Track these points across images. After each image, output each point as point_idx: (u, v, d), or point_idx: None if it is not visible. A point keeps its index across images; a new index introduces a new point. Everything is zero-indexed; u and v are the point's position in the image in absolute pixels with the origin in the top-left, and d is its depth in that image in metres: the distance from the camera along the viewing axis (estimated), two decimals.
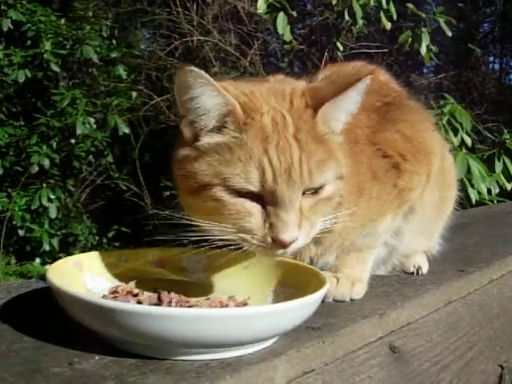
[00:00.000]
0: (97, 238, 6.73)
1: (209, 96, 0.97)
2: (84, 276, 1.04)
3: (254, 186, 0.96)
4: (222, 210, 0.98)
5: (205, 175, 0.98)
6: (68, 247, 6.32)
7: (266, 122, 0.98)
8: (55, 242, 6.03)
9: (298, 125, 0.99)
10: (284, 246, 0.97)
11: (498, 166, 4.24)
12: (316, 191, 1.00)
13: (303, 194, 0.99)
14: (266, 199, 0.97)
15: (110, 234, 6.94)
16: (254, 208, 0.97)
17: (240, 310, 0.91)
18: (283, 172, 0.95)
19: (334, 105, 1.02)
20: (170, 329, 0.79)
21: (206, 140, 1.00)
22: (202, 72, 0.95)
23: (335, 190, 1.04)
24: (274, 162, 0.95)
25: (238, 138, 0.97)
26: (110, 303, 0.83)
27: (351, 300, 1.18)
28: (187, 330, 0.79)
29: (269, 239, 0.97)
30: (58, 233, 6.23)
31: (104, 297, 0.99)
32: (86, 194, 7.01)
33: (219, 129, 1.00)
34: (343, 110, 1.05)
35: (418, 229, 1.36)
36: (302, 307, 0.90)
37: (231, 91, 1.00)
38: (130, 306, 0.83)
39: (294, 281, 1.03)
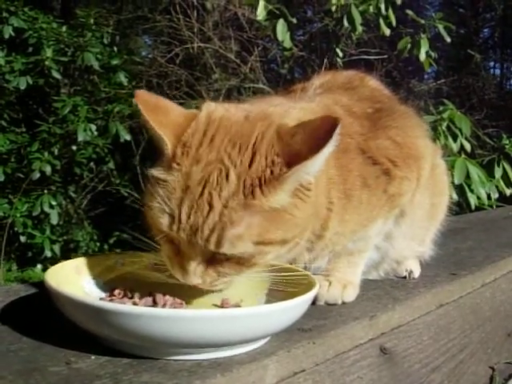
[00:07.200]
0: (98, 244, 6.75)
1: (150, 127, 1.00)
2: (82, 279, 1.07)
3: (164, 230, 0.96)
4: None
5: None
6: (69, 253, 6.31)
7: (195, 172, 0.94)
8: (56, 248, 6.02)
9: (238, 189, 0.92)
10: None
11: (498, 172, 4.26)
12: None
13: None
14: None
15: (112, 241, 6.95)
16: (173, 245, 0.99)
17: (231, 310, 0.93)
18: (189, 229, 0.93)
19: (309, 163, 0.92)
20: (163, 329, 0.81)
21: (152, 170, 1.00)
22: (142, 106, 1.00)
23: (262, 254, 0.97)
24: (183, 217, 0.93)
25: (165, 177, 0.96)
26: (106, 304, 0.86)
27: (343, 303, 1.21)
28: (180, 330, 0.82)
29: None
30: (60, 239, 6.24)
31: (101, 299, 1.02)
32: (88, 200, 7.04)
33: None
34: (318, 166, 0.96)
35: (408, 233, 1.38)
36: (292, 308, 0.92)
37: (173, 129, 0.99)
38: (125, 307, 0.85)
39: (286, 284, 1.05)
